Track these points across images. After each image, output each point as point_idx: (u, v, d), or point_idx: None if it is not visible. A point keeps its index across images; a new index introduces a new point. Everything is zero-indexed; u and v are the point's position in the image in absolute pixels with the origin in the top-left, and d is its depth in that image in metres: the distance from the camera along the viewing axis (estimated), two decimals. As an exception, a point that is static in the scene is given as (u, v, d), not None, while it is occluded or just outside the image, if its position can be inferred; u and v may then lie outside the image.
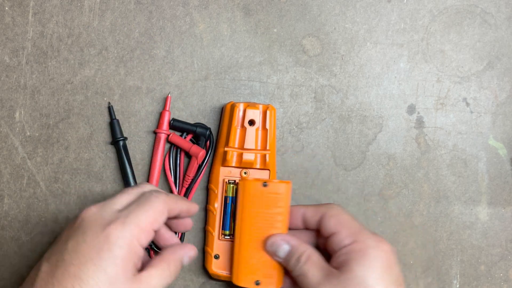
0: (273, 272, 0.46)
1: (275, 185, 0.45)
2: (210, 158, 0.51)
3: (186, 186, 0.51)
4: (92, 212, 0.39)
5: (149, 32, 0.51)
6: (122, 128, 0.51)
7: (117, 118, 0.51)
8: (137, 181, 0.51)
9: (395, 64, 0.53)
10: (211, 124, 0.52)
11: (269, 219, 0.46)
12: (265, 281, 0.46)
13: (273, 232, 0.46)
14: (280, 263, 0.46)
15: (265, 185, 0.46)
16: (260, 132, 0.48)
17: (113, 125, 0.51)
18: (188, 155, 0.51)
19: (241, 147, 0.48)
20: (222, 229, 0.49)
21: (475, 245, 0.53)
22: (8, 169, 0.51)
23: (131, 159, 0.51)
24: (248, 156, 0.48)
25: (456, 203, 0.53)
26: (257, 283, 0.46)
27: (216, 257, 0.49)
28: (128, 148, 0.51)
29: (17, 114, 0.51)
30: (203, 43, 0.52)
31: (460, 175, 0.53)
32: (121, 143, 0.50)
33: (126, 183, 0.50)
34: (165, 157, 0.51)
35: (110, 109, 0.51)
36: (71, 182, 0.51)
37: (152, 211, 0.39)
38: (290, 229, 0.47)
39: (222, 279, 0.50)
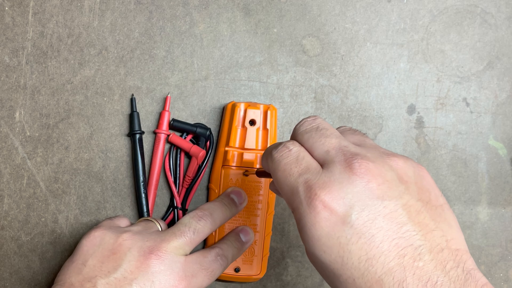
0: (252, 259, 0.49)
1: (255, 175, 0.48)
2: (211, 158, 0.51)
3: (186, 186, 0.51)
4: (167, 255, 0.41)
5: (149, 32, 0.51)
6: (122, 128, 0.51)
7: (137, 111, 0.51)
8: (145, 177, 0.51)
9: (395, 64, 0.53)
10: (211, 124, 0.52)
11: (250, 206, 0.49)
12: (245, 267, 0.49)
13: (252, 221, 0.49)
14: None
15: (245, 175, 0.48)
16: (260, 132, 0.48)
17: (133, 117, 0.51)
18: (188, 156, 0.51)
19: (242, 147, 0.48)
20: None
21: (475, 245, 0.53)
22: (8, 169, 0.51)
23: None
24: (248, 156, 0.48)
25: (456, 203, 0.53)
26: (237, 270, 0.49)
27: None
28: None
29: (17, 114, 0.51)
30: (203, 43, 0.52)
31: (460, 175, 0.53)
32: (137, 136, 0.50)
33: (136, 178, 0.50)
34: (165, 157, 0.51)
35: (132, 100, 0.51)
36: (71, 182, 0.51)
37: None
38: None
39: (221, 278, 0.50)
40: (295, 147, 0.33)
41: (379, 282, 0.28)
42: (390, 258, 0.28)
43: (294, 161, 0.32)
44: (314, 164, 0.32)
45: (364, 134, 0.35)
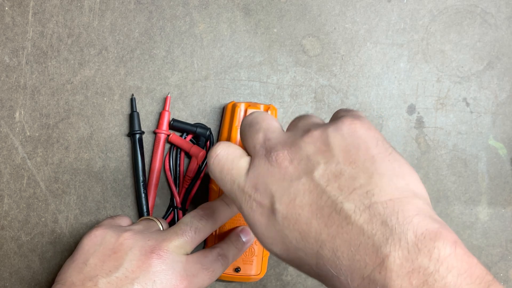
0: (252, 259, 0.49)
1: None
2: (210, 158, 0.51)
3: (186, 186, 0.51)
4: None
5: (149, 32, 0.51)
6: (122, 128, 0.51)
7: (137, 111, 0.51)
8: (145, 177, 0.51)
9: (395, 64, 0.53)
10: (211, 124, 0.52)
11: None
12: (245, 267, 0.49)
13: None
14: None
15: None
16: (260, 132, 0.48)
17: (133, 117, 0.51)
18: (188, 156, 0.51)
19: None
20: (222, 229, 0.50)
21: (475, 245, 0.53)
22: (8, 169, 0.51)
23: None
24: (248, 156, 0.48)
25: (456, 203, 0.53)
26: (237, 270, 0.49)
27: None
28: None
29: (17, 114, 0.51)
30: (203, 43, 0.52)
31: (460, 175, 0.53)
32: (137, 136, 0.50)
33: (136, 178, 0.50)
34: (165, 157, 0.51)
35: (132, 100, 0.51)
36: (71, 182, 0.51)
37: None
38: None
39: (221, 278, 0.50)
40: (221, 151, 0.35)
41: (319, 256, 0.28)
42: (320, 231, 0.28)
43: (224, 167, 0.34)
44: (242, 164, 0.34)
45: (305, 114, 0.37)
